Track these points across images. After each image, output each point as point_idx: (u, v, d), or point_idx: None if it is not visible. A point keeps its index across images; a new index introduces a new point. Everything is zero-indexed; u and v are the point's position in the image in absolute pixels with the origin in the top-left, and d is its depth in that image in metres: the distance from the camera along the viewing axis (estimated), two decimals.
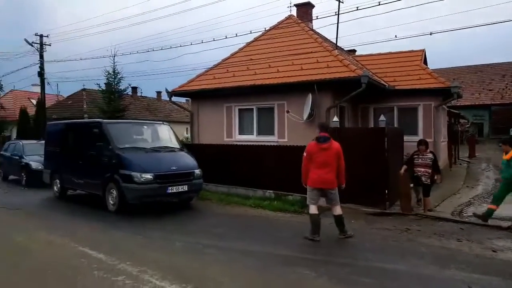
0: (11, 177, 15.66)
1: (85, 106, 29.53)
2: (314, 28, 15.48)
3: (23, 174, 14.20)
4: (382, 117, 9.47)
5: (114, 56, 20.87)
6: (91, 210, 9.54)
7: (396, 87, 13.16)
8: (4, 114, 33.97)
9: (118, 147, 9.11)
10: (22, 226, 8.07)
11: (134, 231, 7.41)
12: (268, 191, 10.25)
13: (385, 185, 8.86)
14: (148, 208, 9.13)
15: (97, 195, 9.68)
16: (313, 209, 6.67)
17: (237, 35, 13.27)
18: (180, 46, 16.18)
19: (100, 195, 9.47)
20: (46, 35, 25.54)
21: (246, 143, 11.80)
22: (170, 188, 8.83)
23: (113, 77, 21.30)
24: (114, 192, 8.95)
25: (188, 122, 29.56)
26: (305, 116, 11.41)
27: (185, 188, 9.11)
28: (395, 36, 12.94)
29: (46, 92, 26.23)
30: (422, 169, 8.72)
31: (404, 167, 8.85)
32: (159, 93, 39.86)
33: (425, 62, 15.34)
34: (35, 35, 25.19)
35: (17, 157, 14.74)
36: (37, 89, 40.81)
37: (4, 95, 36.89)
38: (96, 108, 23.48)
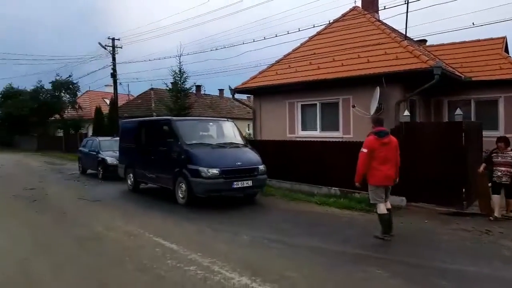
0: (89, 171, 16.92)
1: (153, 105, 31.07)
2: (380, 18, 14.85)
3: (99, 168, 15.28)
4: (458, 111, 8.86)
5: (180, 56, 21.68)
6: (162, 202, 9.99)
7: (474, 79, 12.21)
8: (81, 113, 36.88)
9: (186, 143, 9.45)
10: (102, 216, 8.67)
11: (203, 224, 7.65)
12: (334, 188, 10.05)
13: (462, 183, 8.26)
14: (215, 202, 9.38)
15: (168, 189, 10.13)
16: (382, 208, 6.40)
17: (300, 29, 13.10)
18: (243, 43, 16.40)
19: (170, 189, 9.90)
20: (117, 38, 27.23)
21: (309, 139, 11.65)
22: (235, 183, 8.99)
23: (179, 76, 22.14)
24: (183, 186, 9.31)
25: (250, 119, 30.08)
26: (372, 110, 10.99)
27: (250, 183, 9.21)
28: (473, 23, 11.89)
29: (118, 92, 27.92)
30: (503, 169, 7.87)
31: (483, 165, 8.15)
32: (221, 90, 40.88)
33: (507, 51, 14.07)
34: (108, 38, 26.95)
35: (94, 153, 15.90)
36: (110, 90, 43.66)
37: (81, 96, 40.02)
38: (163, 106, 24.60)
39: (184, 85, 22.68)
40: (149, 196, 11.04)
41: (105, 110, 32.93)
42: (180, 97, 22.10)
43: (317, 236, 6.79)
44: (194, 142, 9.64)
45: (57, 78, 35.41)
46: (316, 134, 12.40)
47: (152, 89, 33.33)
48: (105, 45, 26.42)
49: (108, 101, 41.04)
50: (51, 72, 55.67)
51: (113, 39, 26.80)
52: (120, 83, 27.63)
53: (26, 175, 17.06)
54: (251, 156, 9.84)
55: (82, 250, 6.24)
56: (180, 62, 21.97)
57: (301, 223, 7.92)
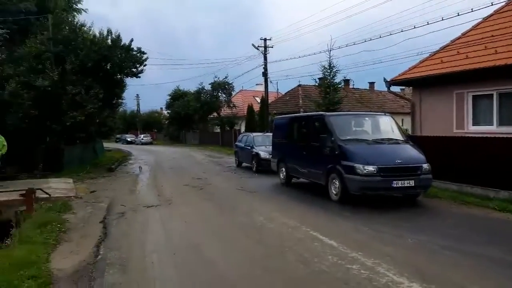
0: (244, 164, 18.17)
1: (300, 101, 31.66)
2: None
3: (253, 162, 16.25)
4: None
5: (330, 50, 21.42)
6: (314, 197, 10.00)
7: None
8: (235, 111, 40.05)
9: (340, 138, 9.22)
10: (259, 207, 9.13)
11: (359, 222, 7.34)
12: None
13: None
14: (369, 200, 8.93)
15: (320, 184, 10.09)
16: None
17: (473, 10, 11.43)
18: (401, 31, 15.14)
19: (322, 185, 9.83)
20: (269, 38, 28.54)
21: (483, 135, 10.08)
22: (394, 182, 8.36)
23: (329, 71, 21.95)
24: (337, 183, 9.11)
25: (404, 113, 28.14)
26: None
27: (411, 183, 8.46)
28: None
29: (268, 90, 29.27)
30: None
31: None
32: (371, 83, 39.19)
33: None
34: (260, 39, 28.48)
35: (248, 147, 16.98)
36: (261, 88, 46.30)
37: (235, 95, 43.47)
38: (311, 102, 24.78)
39: (334, 79, 22.41)
40: (301, 190, 11.19)
41: (256, 107, 34.95)
42: (329, 92, 21.90)
43: (501, 246, 5.80)
44: (348, 137, 9.35)
45: (215, 79, 39.17)
46: (491, 129, 10.66)
47: (300, 85, 33.96)
48: (258, 46, 28.00)
49: (258, 99, 43.67)
50: (211, 74, 61.94)
51: (265, 40, 28.22)
52: (271, 82, 29.00)
53: (193, 166, 19.32)
54: (413, 153, 9.04)
55: (246, 238, 6.64)
56: (330, 57, 21.77)
57: (477, 230, 6.90)
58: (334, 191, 9.28)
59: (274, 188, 11.93)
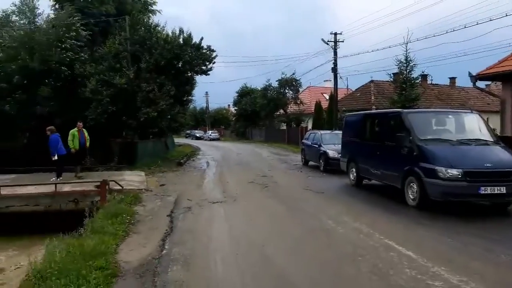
0: (310, 162, 17.66)
1: (372, 98, 30.21)
2: None
3: (321, 160, 15.68)
4: None
5: (407, 43, 20.03)
6: (388, 201, 9.28)
7: None
8: (302, 108, 39.45)
9: (419, 138, 8.42)
10: (327, 209, 8.65)
11: (440, 232, 6.59)
12: None
13: None
14: (451, 208, 8.03)
15: (394, 187, 9.34)
16: None
17: None
18: (490, 20, 13.60)
19: (398, 188, 9.08)
20: (339, 32, 27.54)
21: None
22: (482, 188, 7.41)
23: (405, 65, 20.55)
24: (414, 186, 8.33)
25: (491, 111, 25.63)
26: None
27: (503, 190, 7.45)
28: None
29: (337, 86, 28.24)
30: None
31: None
32: (452, 79, 36.25)
33: None
34: (330, 33, 27.56)
35: (316, 146, 16.43)
36: (329, 84, 45.18)
37: (302, 92, 42.83)
38: (384, 99, 23.49)
39: (410, 74, 20.95)
40: (372, 193, 10.49)
41: (324, 104, 34.09)
42: (406, 88, 20.51)
43: None
44: (429, 137, 8.51)
45: (283, 76, 38.90)
46: None
47: (372, 81, 32.38)
48: (327, 41, 27.16)
49: (327, 96, 42.58)
50: (278, 71, 61.89)
51: (335, 34, 27.29)
52: (340, 77, 27.87)
53: (258, 163, 19.23)
54: (505, 156, 7.98)
55: (314, 242, 6.25)
56: (406, 50, 20.37)
57: None
58: (411, 196, 8.49)
59: (343, 189, 11.33)
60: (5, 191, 9.59)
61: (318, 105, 33.30)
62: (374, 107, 27.14)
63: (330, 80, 44.81)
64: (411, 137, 8.54)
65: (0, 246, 9.03)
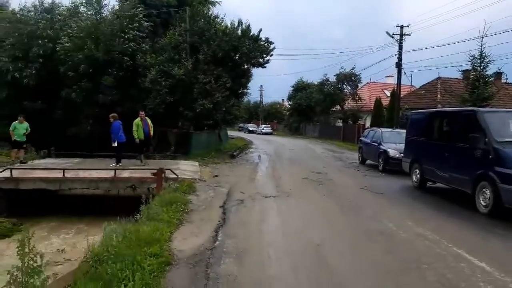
0: (368, 161, 16.91)
1: (438, 96, 28.39)
2: None
3: (380, 160, 14.92)
4: None
5: (483, 38, 18.39)
6: (455, 206, 8.55)
7: None
8: (360, 104, 38.09)
9: (496, 140, 7.62)
10: (387, 211, 8.13)
11: None
12: None
13: None
14: None
15: (462, 192, 8.60)
16: None
17: None
18: None
19: (467, 193, 8.33)
20: (406, 25, 26.03)
21: None
22: None
23: (479, 61, 18.91)
24: (487, 192, 7.57)
25: None
26: None
27: None
28: None
29: (400, 82, 26.82)
30: None
31: None
32: None
33: None
34: (396, 26, 26.13)
35: (375, 144, 15.67)
36: (391, 81, 43.15)
37: (361, 87, 41.38)
38: (452, 97, 21.89)
39: (485, 71, 19.27)
40: (437, 197, 9.73)
41: (385, 101, 32.69)
42: (478, 86, 18.90)
43: None
44: (507, 139, 7.68)
45: (341, 71, 37.78)
46: None
47: (439, 78, 30.31)
48: (393, 34, 25.81)
49: (388, 93, 40.70)
50: (336, 65, 60.38)
51: (401, 27, 25.84)
52: (405, 73, 26.38)
53: (312, 159, 18.79)
54: None
55: (372, 244, 5.85)
56: (481, 45, 18.70)
57: None
58: (483, 202, 7.74)
59: (404, 191, 10.63)
60: (68, 174, 10.06)
61: (378, 101, 31.95)
62: (440, 105, 25.46)
63: (392, 76, 42.94)
64: (486, 139, 7.77)
65: (62, 226, 9.53)
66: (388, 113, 29.20)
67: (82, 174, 10.37)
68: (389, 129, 17.22)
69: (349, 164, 17.14)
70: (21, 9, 20.42)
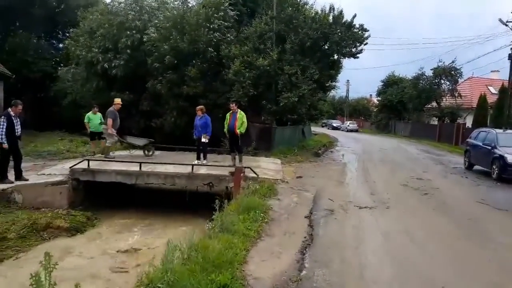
0: (476, 167, 14.36)
1: None
2: None
3: (494, 166, 12.41)
4: None
5: None
6: None
7: None
8: (460, 101, 33.94)
9: None
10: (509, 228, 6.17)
11: None
12: None
13: None
14: None
15: None
16: None
17: None
18: None
19: None
20: None
21: None
22: None
23: None
24: None
25: None
26: None
27: None
28: None
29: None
30: None
31: None
32: None
33: None
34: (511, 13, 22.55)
35: (487, 147, 13.13)
36: (496, 76, 38.27)
37: (461, 83, 36.92)
38: None
39: None
40: None
41: (489, 99, 28.64)
42: None
43: None
44: None
45: (439, 64, 33.96)
46: None
47: None
48: (507, 21, 22.18)
49: (492, 89, 35.84)
50: (431, 59, 55.06)
51: None
52: None
53: (408, 162, 16.57)
54: None
55: None
56: None
57: None
58: None
59: None
60: (145, 168, 9.59)
61: (482, 98, 27.95)
62: None
63: (499, 71, 38.04)
64: None
65: (135, 223, 9.08)
66: (495, 111, 25.41)
67: (159, 168, 9.85)
68: (507, 131, 14.44)
69: (453, 169, 14.70)
70: (112, 1, 21.09)
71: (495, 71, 38.44)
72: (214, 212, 5.91)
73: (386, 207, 7.82)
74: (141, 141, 12.79)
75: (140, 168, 9.46)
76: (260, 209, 6.63)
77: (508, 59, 22.94)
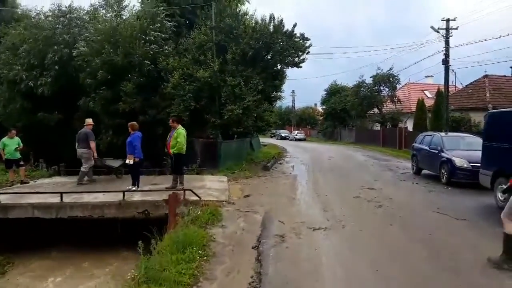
0: (424, 171, 14.38)
1: (488, 95, 25.74)
2: None
3: (443, 170, 12.38)
4: None
5: None
6: None
7: None
8: (399, 106, 35.23)
9: None
10: (490, 250, 5.66)
11: None
12: None
13: None
14: None
15: None
16: None
17: None
18: None
19: None
20: (453, 18, 23.36)
21: None
22: None
23: None
24: None
25: None
26: None
27: None
28: None
29: (448, 81, 24.03)
30: None
31: None
32: None
33: None
34: (442, 20, 23.54)
35: (435, 151, 13.14)
36: (431, 81, 40.29)
37: (399, 89, 38.35)
38: (502, 96, 19.04)
39: None
40: None
41: (427, 102, 29.94)
42: None
43: None
44: None
45: (378, 72, 35.08)
46: None
47: (486, 76, 27.70)
48: (438, 28, 23.12)
49: (428, 93, 37.62)
50: (370, 67, 57.25)
51: (447, 20, 23.19)
52: (453, 71, 23.66)
53: (357, 170, 16.34)
54: None
55: None
56: None
57: None
58: None
59: (488, 215, 8.05)
60: (68, 199, 8.27)
61: (420, 103, 29.03)
62: (490, 105, 23.09)
63: (432, 76, 40.18)
64: None
65: (57, 266, 7.71)
66: (433, 115, 26.47)
67: (86, 197, 8.55)
68: (453, 134, 14.69)
69: (402, 175, 14.61)
70: (37, 14, 19.27)
71: (429, 76, 40.52)
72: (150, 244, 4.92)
73: (342, 226, 7.14)
74: (117, 163, 12.02)
75: (61, 199, 8.12)
76: (200, 243, 5.65)
77: (442, 64, 23.93)
